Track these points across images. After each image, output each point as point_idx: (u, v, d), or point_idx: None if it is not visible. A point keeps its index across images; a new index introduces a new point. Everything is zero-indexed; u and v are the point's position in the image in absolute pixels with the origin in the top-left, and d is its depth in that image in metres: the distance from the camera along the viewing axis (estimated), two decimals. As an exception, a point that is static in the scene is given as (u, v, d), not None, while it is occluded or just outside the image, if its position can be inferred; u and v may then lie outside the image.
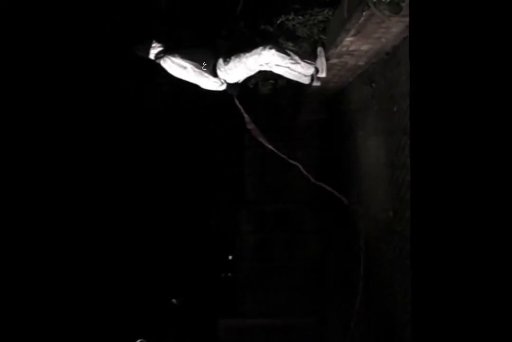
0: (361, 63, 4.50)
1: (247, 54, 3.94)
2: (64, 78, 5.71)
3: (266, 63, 3.99)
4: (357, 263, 4.83)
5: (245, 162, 6.67)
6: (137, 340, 4.68)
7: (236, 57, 3.96)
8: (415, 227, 2.05)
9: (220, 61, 3.99)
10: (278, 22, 4.52)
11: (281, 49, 3.97)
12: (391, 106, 4.03)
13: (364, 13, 3.23)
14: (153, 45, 4.04)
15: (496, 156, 1.81)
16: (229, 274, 7.21)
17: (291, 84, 4.87)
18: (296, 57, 3.98)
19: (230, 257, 7.20)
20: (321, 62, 4.11)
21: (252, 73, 4.10)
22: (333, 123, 6.05)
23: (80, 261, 5.98)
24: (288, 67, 4.01)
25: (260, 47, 3.91)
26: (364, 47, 4.02)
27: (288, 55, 3.95)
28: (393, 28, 3.55)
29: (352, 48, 4.04)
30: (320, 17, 4.34)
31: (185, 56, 3.97)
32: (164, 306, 6.94)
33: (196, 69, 3.95)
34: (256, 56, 3.92)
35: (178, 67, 3.98)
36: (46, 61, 5.58)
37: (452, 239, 1.91)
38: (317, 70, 4.10)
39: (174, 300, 7.17)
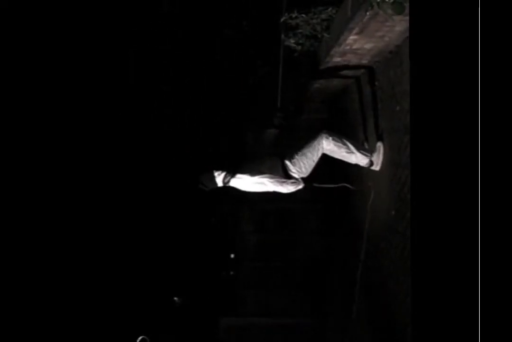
0: (364, 61, 4.48)
1: (310, 149, 4.00)
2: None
3: (327, 149, 4.06)
4: (356, 269, 4.84)
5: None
6: (138, 337, 4.67)
7: (300, 155, 4.01)
8: (415, 227, 2.04)
9: (287, 163, 4.02)
10: (282, 20, 4.52)
11: (337, 137, 4.01)
12: (393, 106, 4.02)
13: (367, 12, 3.22)
14: (216, 174, 4.04)
15: (496, 156, 1.80)
16: (231, 272, 7.20)
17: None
18: (352, 148, 4.02)
19: (232, 256, 7.20)
20: (378, 157, 4.15)
21: (316, 161, 4.12)
22: (336, 122, 6.04)
23: (82, 259, 5.99)
24: (343, 156, 4.07)
25: (318, 138, 3.98)
26: (367, 46, 4.01)
27: (345, 144, 4.00)
28: (396, 27, 3.54)
29: (355, 46, 4.03)
30: (323, 16, 4.34)
31: (254, 172, 3.98)
32: (165, 304, 6.95)
33: (272, 180, 3.96)
34: (317, 147, 3.99)
35: (254, 184, 4.01)
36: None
37: (452, 238, 1.90)
38: (371, 163, 4.14)
39: (175, 299, 7.18)
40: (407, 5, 2.98)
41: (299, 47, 4.67)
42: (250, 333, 6.55)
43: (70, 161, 5.91)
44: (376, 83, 4.51)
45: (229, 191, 4.22)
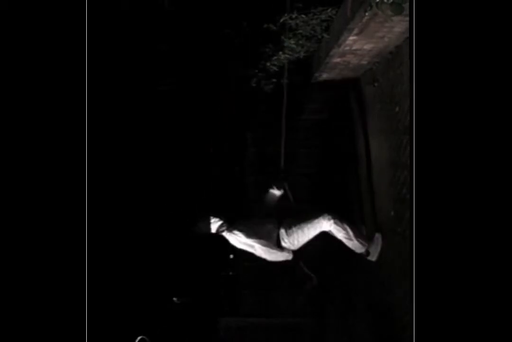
0: (364, 62, 4.48)
1: (308, 225, 4.00)
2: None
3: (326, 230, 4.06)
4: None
5: (246, 162, 6.66)
6: (137, 337, 4.67)
7: (297, 228, 4.02)
8: (415, 228, 2.04)
9: (283, 232, 4.04)
10: (281, 20, 4.52)
11: (339, 221, 4.00)
12: (393, 106, 4.02)
13: (367, 13, 3.22)
14: (212, 221, 4.10)
15: (496, 157, 1.80)
16: (230, 273, 7.20)
17: (293, 83, 4.87)
18: (351, 233, 4.00)
19: (231, 256, 7.19)
20: (376, 249, 4.12)
21: (311, 238, 4.13)
22: (335, 123, 6.04)
23: (81, 258, 5.98)
24: (341, 239, 4.06)
25: (320, 217, 3.98)
26: (367, 47, 4.01)
27: (344, 229, 3.99)
28: (396, 28, 3.54)
29: (355, 47, 4.03)
30: (323, 16, 4.34)
31: (250, 233, 4.03)
32: (165, 304, 6.94)
33: (263, 247, 4.01)
34: (317, 225, 3.99)
35: (246, 245, 4.07)
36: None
37: (452, 239, 1.90)
38: (368, 253, 4.11)
39: (175, 299, 7.18)
40: (405, 5, 2.99)
41: (299, 49, 4.67)
42: (249, 333, 6.54)
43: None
44: (376, 84, 4.51)
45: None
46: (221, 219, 4.12)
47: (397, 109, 3.92)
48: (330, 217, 3.97)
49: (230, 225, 4.10)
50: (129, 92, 6.10)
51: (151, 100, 6.24)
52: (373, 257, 4.14)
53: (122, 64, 5.85)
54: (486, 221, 1.82)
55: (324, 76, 4.99)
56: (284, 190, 4.34)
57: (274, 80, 5.15)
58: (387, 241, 4.11)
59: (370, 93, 4.73)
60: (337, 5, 4.12)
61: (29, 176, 2.28)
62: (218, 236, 4.17)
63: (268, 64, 5.00)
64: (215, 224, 4.10)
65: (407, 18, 3.21)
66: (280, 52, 4.80)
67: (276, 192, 4.31)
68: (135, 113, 6.26)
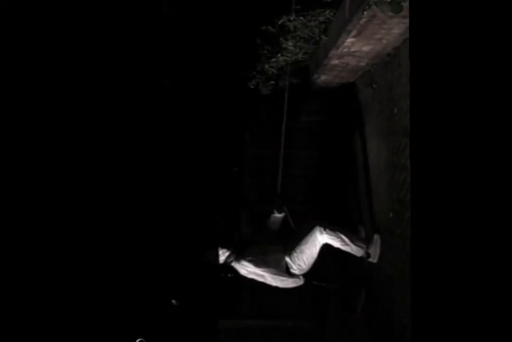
0: (362, 64, 4.49)
1: (307, 245, 4.03)
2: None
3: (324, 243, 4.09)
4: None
5: (245, 163, 6.66)
6: (136, 340, 4.67)
7: (299, 252, 4.05)
8: (415, 229, 2.05)
9: (288, 260, 4.08)
10: (280, 22, 4.53)
11: (331, 230, 4.02)
12: (391, 108, 4.03)
13: (365, 14, 3.23)
14: (220, 252, 4.15)
15: (496, 157, 1.80)
16: (230, 275, 7.18)
17: (292, 85, 4.88)
18: (347, 240, 4.04)
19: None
20: (375, 250, 4.15)
21: (316, 256, 4.15)
22: (334, 125, 6.05)
23: (79, 260, 5.98)
24: (339, 247, 4.09)
25: (313, 234, 4.00)
26: (365, 48, 4.02)
27: (339, 237, 4.02)
28: (394, 29, 3.55)
29: (353, 49, 4.04)
30: (321, 18, 4.34)
31: (258, 263, 4.06)
32: (163, 306, 6.93)
33: (274, 276, 4.05)
34: (315, 243, 4.02)
35: (256, 275, 4.10)
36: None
37: (452, 240, 1.91)
38: (368, 254, 4.13)
39: (173, 301, 7.16)
40: (404, 4, 2.99)
41: (297, 50, 4.68)
42: (248, 335, 6.54)
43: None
44: (374, 85, 4.53)
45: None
46: (229, 249, 4.15)
47: (395, 110, 3.93)
48: (321, 228, 3.99)
49: (238, 255, 4.12)
50: (129, 92, 6.10)
51: (151, 100, 6.24)
52: (374, 258, 4.15)
53: (122, 64, 5.86)
54: (486, 220, 1.82)
55: (323, 78, 5.00)
56: (285, 213, 4.39)
57: (272, 82, 5.16)
58: (387, 242, 4.12)
59: (368, 94, 4.74)
60: (335, 7, 4.13)
61: (29, 176, 2.28)
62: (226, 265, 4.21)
63: (266, 66, 5.01)
64: (223, 255, 4.14)
65: (405, 20, 3.23)
66: (279, 54, 4.81)
67: (278, 216, 4.38)
68: (135, 113, 6.26)
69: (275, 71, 5.02)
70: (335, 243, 4.04)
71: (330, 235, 4.00)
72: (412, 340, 2.51)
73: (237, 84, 5.78)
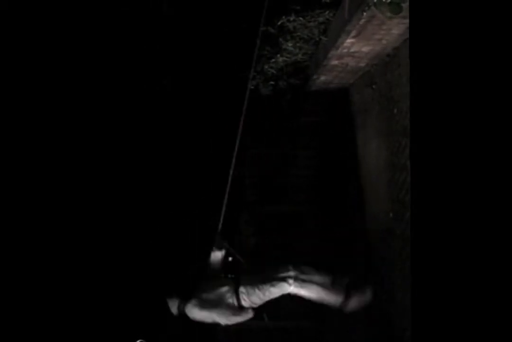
0: (362, 64, 4.50)
1: (271, 288, 3.90)
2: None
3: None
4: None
5: (246, 163, 6.66)
6: (136, 341, 4.66)
7: (259, 289, 3.92)
8: (415, 229, 2.05)
9: (243, 290, 3.96)
10: (279, 23, 4.54)
11: (303, 281, 3.89)
12: (391, 108, 4.03)
13: (364, 14, 3.23)
14: (170, 304, 4.06)
15: (496, 157, 1.81)
16: (229, 275, 7.18)
17: (291, 85, 4.89)
18: (320, 291, 3.91)
19: (230, 258, 7.18)
20: (359, 301, 3.96)
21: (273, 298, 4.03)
22: (334, 125, 6.05)
23: (78, 260, 5.98)
24: (310, 299, 3.97)
25: (283, 282, 3.88)
26: (365, 49, 4.02)
27: (311, 288, 3.90)
28: (393, 30, 3.55)
29: (353, 49, 4.04)
30: (321, 19, 4.35)
31: (204, 305, 3.94)
32: (164, 306, 6.92)
33: (221, 314, 3.93)
34: (281, 288, 3.90)
35: (205, 318, 3.97)
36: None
37: (452, 240, 1.91)
38: (345, 305, 3.93)
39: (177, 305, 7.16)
40: (404, 5, 2.99)
41: (297, 51, 4.69)
42: (248, 335, 6.53)
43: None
44: (374, 86, 4.53)
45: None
46: (176, 298, 4.04)
47: (395, 111, 3.93)
48: (292, 280, 3.87)
49: (186, 302, 4.00)
50: (129, 92, 6.11)
51: (151, 100, 6.25)
52: (351, 309, 3.96)
53: (122, 64, 5.87)
54: (486, 220, 1.82)
55: (322, 78, 5.00)
56: (226, 249, 4.32)
57: (272, 82, 5.17)
58: (385, 243, 4.12)
59: (368, 95, 4.75)
60: (334, 8, 4.14)
61: (29, 175, 2.28)
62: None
63: (266, 66, 5.01)
64: (173, 307, 4.04)
65: (405, 20, 3.23)
66: (278, 55, 4.82)
67: (218, 253, 4.30)
68: (135, 113, 6.27)
69: (274, 72, 5.03)
70: (305, 293, 3.91)
71: (301, 286, 3.87)
72: (412, 341, 2.51)
73: (237, 85, 5.79)
